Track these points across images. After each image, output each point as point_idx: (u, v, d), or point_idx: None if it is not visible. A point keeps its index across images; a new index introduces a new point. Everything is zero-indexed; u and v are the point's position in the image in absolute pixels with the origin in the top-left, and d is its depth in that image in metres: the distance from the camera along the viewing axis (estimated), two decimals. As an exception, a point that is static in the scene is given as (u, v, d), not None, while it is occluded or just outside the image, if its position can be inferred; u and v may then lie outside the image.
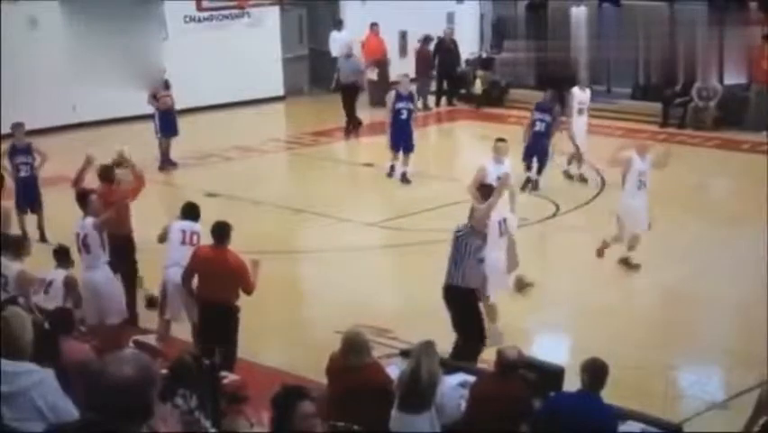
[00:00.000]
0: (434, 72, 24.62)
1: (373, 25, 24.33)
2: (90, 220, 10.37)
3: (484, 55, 26.03)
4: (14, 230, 12.99)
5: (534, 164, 16.71)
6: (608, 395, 7.15)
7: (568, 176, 17.36)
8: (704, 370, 10.78)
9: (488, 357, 8.97)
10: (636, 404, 8.03)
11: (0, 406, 4.95)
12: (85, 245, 10.38)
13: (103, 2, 20.90)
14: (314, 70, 26.02)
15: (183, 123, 19.24)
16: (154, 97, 18.81)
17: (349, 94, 21.70)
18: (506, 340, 9.61)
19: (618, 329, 11.21)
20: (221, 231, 9.72)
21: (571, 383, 7.64)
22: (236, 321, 9.73)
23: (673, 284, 12.64)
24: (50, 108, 20.38)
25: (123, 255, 11.24)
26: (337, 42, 23.13)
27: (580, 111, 17.37)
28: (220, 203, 15.33)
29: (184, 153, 19.10)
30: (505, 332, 10.34)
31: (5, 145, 14.79)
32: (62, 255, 10.41)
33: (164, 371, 6.99)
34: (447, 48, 24.73)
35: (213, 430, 7.23)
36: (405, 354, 8.23)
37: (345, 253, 14.16)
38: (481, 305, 10.25)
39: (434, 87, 24.71)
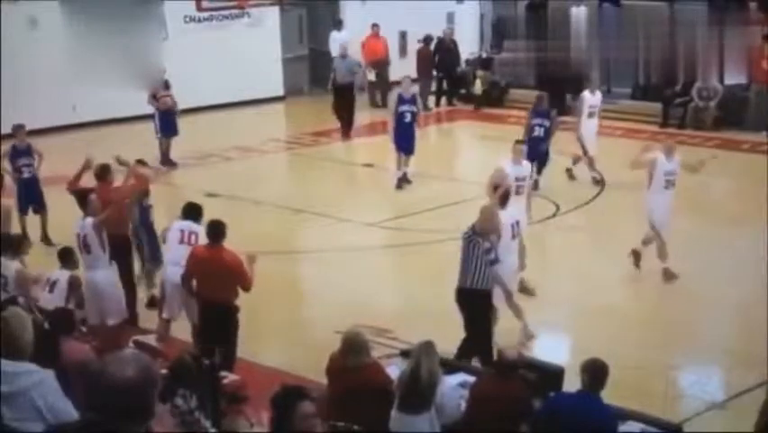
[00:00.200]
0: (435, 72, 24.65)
1: (374, 26, 24.34)
2: (90, 220, 10.39)
3: (484, 55, 26.03)
4: (14, 230, 12.97)
5: (534, 166, 16.68)
6: (608, 395, 7.15)
7: (570, 176, 17.35)
8: (704, 370, 10.78)
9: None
10: (636, 404, 8.04)
11: (0, 406, 4.95)
12: (85, 245, 10.40)
13: (103, 2, 20.90)
14: (314, 70, 26.02)
15: (183, 123, 19.25)
16: (154, 97, 18.83)
17: (343, 94, 21.70)
18: (506, 340, 9.61)
19: (618, 329, 11.21)
20: (215, 230, 9.72)
21: (571, 383, 7.64)
22: (236, 321, 9.73)
23: (673, 284, 12.63)
24: (50, 108, 20.39)
25: (121, 255, 11.24)
26: (337, 42, 23.14)
27: (591, 114, 17.29)
28: (220, 203, 15.32)
29: (184, 153, 19.11)
30: (505, 332, 10.33)
31: (6, 147, 14.79)
32: (67, 256, 10.45)
33: (164, 371, 7.00)
34: (447, 48, 24.73)
35: (213, 430, 7.23)
36: (405, 354, 8.24)
37: (345, 253, 14.16)
38: (502, 306, 10.25)
39: (434, 87, 24.72)
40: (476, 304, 9.85)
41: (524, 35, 25.78)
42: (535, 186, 16.60)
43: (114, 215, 10.72)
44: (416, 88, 19.04)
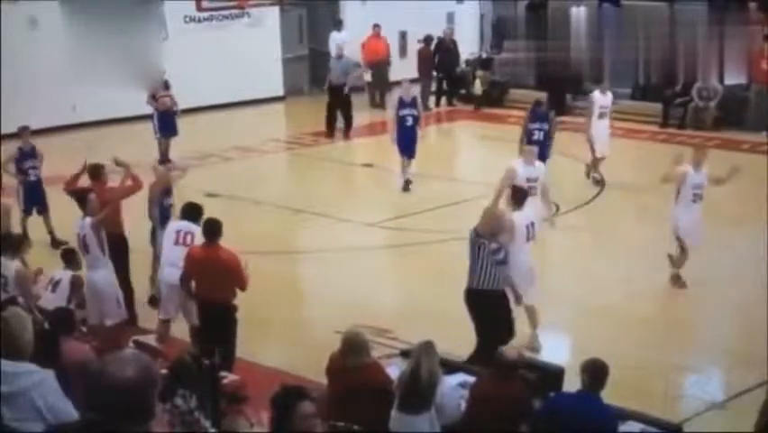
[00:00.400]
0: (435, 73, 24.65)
1: (375, 26, 24.34)
2: (89, 220, 10.38)
3: (484, 55, 26.03)
4: (14, 230, 12.97)
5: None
6: (608, 395, 7.15)
7: (596, 181, 17.21)
8: (704, 370, 10.78)
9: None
10: (636, 404, 8.04)
11: (0, 406, 4.95)
12: (84, 245, 10.40)
13: (103, 2, 20.89)
14: (314, 70, 26.01)
15: (183, 123, 19.25)
16: (153, 98, 18.82)
17: (337, 95, 21.68)
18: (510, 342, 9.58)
19: (618, 329, 11.21)
20: (211, 228, 9.71)
21: (571, 384, 7.64)
22: (234, 321, 9.72)
23: (673, 284, 12.62)
24: (50, 108, 20.38)
25: (117, 255, 11.22)
26: (337, 42, 23.14)
27: (602, 115, 17.20)
28: (220, 203, 15.31)
29: (184, 153, 19.09)
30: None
31: (12, 149, 14.69)
32: (70, 256, 10.47)
33: (164, 371, 7.00)
34: (447, 48, 24.73)
35: (213, 430, 7.23)
36: (405, 354, 8.24)
37: (345, 253, 14.15)
38: (519, 308, 10.19)
39: (434, 87, 24.72)
40: (484, 305, 9.81)
41: (524, 35, 25.80)
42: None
43: (109, 215, 10.72)
44: (416, 91, 18.99)
